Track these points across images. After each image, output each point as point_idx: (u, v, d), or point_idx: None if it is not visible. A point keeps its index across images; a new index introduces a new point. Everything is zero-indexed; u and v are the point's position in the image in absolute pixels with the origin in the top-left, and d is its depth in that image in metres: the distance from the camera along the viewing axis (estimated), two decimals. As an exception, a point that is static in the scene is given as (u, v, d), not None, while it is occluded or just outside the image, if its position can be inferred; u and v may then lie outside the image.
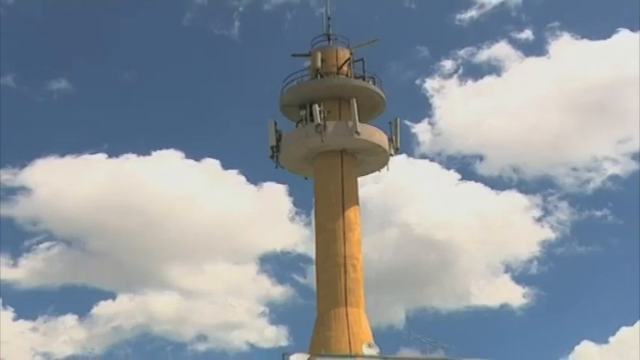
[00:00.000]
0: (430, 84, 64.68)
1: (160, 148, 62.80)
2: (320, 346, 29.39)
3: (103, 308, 60.10)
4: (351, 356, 27.36)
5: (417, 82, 65.19)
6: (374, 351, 28.63)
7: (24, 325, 58.42)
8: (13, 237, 61.04)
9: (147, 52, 67.85)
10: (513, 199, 62.01)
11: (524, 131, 63.24)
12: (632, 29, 65.67)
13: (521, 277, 61.14)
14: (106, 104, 68.10)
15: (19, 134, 64.50)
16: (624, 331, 55.82)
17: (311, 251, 36.08)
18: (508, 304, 58.66)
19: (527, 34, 67.48)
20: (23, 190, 59.71)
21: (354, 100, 33.26)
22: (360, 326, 31.07)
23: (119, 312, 59.32)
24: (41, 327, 59.02)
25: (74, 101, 67.55)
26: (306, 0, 61.70)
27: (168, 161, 60.79)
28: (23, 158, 64.75)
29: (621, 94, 62.76)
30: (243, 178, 60.39)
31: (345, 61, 34.96)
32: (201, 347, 57.85)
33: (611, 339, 56.25)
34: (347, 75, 34.90)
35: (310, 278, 40.48)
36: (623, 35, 64.75)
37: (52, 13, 68.93)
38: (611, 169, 62.30)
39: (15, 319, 58.18)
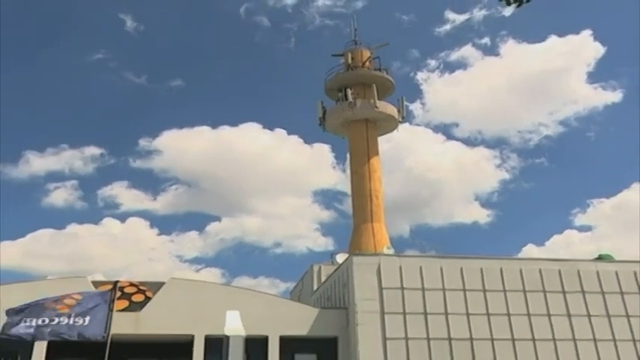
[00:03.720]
0: (420, 76, 77.58)
1: (245, 122, 78.75)
2: (355, 248, 32.59)
3: (213, 227, 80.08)
4: (376, 254, 27.34)
5: (411, 74, 77.57)
6: (391, 251, 31.49)
7: (164, 238, 76.16)
8: (152, 182, 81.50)
9: (232, 60, 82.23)
10: (480, 152, 76.30)
11: (485, 107, 75.36)
12: (559, 35, 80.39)
13: (486, 203, 75.84)
14: (207, 95, 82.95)
15: (152, 116, 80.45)
16: (555, 238, 71.56)
17: (346, 188, 40.06)
18: (477, 222, 73.30)
19: (485, 40, 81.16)
20: (157, 151, 79.60)
21: (374, 85, 37.12)
22: (381, 235, 34.30)
23: (224, 229, 77.06)
24: (175, 239, 75.93)
25: (186, 93, 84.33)
26: (337, 22, 75.22)
27: (251, 130, 75.76)
28: (155, 130, 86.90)
29: (551, 81, 75.54)
30: (301, 140, 75.56)
31: (367, 59, 38.77)
32: (278, 251, 75.88)
33: (547, 243, 70.81)
34: (369, 68, 38.49)
35: (346, 206, 47.96)
36: (553, 40, 77.23)
37: (170, 35, 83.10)
38: (545, 132, 75.51)
39: (158, 235, 76.42)
